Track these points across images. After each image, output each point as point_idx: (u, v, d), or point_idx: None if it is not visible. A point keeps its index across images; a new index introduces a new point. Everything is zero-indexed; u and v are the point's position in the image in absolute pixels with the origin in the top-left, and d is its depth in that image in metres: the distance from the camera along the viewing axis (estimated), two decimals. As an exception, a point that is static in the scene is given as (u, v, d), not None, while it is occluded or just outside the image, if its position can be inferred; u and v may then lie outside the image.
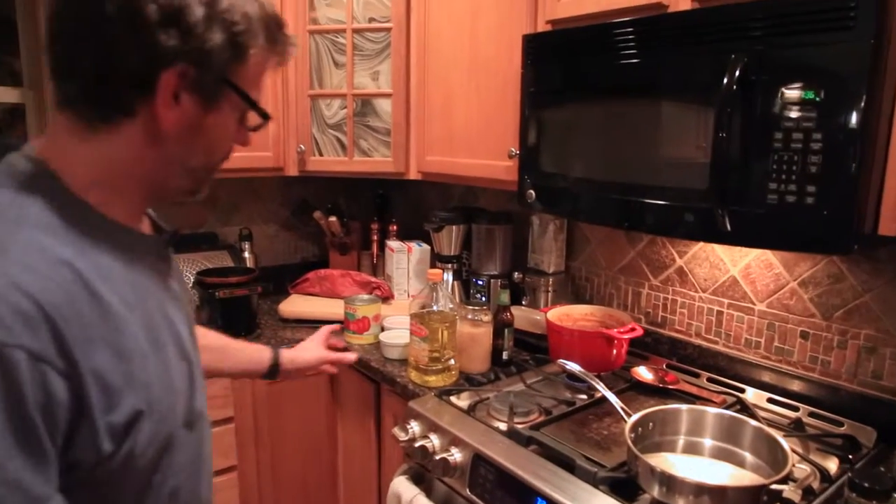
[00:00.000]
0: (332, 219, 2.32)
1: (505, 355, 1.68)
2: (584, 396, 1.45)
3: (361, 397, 1.84)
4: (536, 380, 1.56)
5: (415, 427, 1.37)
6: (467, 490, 1.24)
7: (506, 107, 1.63)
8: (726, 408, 1.32)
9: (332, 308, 2.03)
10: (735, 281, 1.53)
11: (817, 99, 0.98)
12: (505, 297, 1.68)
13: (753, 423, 1.16)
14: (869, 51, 0.93)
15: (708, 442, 1.19)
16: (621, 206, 1.30)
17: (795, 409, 1.39)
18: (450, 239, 2.09)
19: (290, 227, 2.51)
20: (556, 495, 1.07)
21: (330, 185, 2.41)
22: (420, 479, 1.40)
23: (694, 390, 1.47)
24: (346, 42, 1.97)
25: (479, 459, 1.22)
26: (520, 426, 1.27)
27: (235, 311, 1.91)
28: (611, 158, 1.32)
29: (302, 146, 2.05)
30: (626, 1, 1.30)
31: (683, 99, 1.17)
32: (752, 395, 1.46)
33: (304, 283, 2.25)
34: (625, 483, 1.07)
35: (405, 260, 2.21)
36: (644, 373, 1.53)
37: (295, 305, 2.12)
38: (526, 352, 1.74)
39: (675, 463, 1.15)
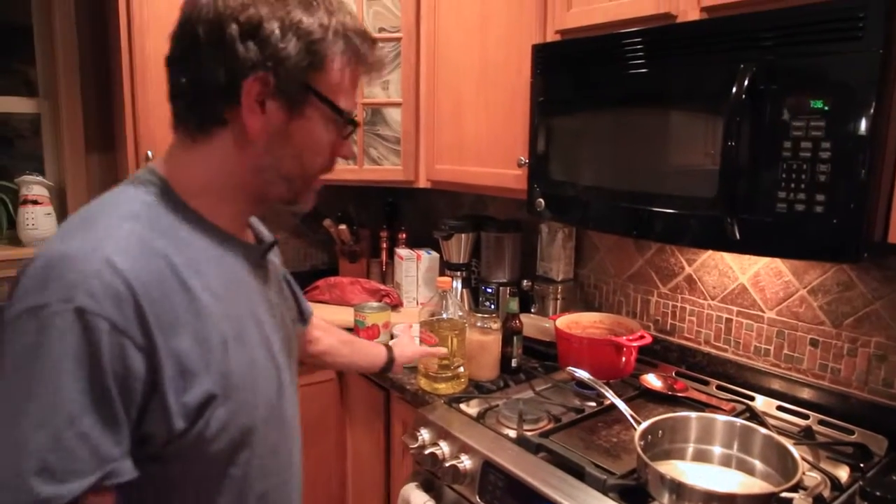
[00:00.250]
0: (342, 227, 2.34)
1: (514, 363, 1.68)
2: (593, 404, 1.45)
3: (371, 404, 1.85)
4: (545, 387, 1.57)
5: (424, 434, 1.38)
6: (477, 497, 1.24)
7: (515, 116, 1.64)
8: (736, 416, 1.32)
9: (341, 315, 2.03)
10: (744, 289, 1.53)
11: (826, 108, 0.98)
12: (514, 304, 1.68)
13: (763, 430, 1.16)
14: (878, 60, 0.93)
15: (717, 450, 1.19)
16: (630, 214, 1.30)
17: (805, 416, 1.38)
18: (459, 247, 2.09)
19: (300, 235, 2.53)
20: (565, 502, 1.07)
21: (340, 193, 2.43)
22: (430, 486, 1.40)
23: (703, 398, 1.47)
24: (357, 52, 1.99)
25: (488, 466, 1.22)
26: (529, 433, 1.28)
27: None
28: (620, 167, 1.33)
29: (312, 154, 2.06)
30: (635, 11, 1.31)
31: (692, 108, 1.18)
32: (761, 402, 1.46)
33: (314, 291, 2.27)
34: (634, 490, 1.07)
35: (414, 268, 2.23)
36: (653, 380, 1.53)
37: (305, 312, 2.13)
38: (535, 359, 1.75)
39: (685, 471, 1.15)
